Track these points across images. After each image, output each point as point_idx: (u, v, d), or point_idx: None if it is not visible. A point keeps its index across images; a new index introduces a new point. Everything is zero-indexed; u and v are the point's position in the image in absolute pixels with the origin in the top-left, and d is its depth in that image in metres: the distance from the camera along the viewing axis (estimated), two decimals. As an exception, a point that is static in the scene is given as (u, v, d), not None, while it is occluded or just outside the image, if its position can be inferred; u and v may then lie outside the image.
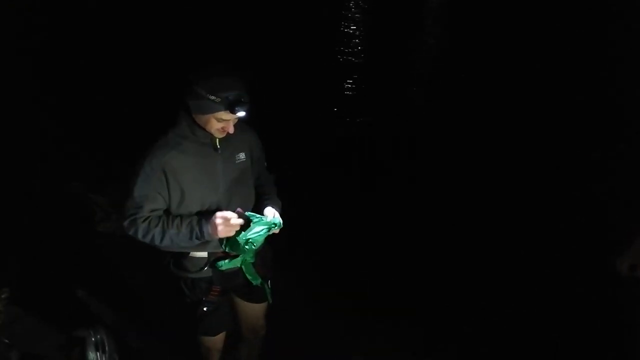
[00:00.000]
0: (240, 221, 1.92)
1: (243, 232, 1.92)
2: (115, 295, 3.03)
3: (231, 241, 1.96)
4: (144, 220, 1.92)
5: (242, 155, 2.08)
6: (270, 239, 2.03)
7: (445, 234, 3.82)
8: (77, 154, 4.36)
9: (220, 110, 1.85)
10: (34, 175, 4.09)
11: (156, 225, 1.92)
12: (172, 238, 1.92)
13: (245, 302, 2.31)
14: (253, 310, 2.34)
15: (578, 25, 9.97)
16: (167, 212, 1.99)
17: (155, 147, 1.93)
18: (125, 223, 1.95)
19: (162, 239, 1.93)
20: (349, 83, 7.38)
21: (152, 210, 1.94)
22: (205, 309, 2.11)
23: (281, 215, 2.03)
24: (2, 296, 2.89)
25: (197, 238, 1.93)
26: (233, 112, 1.84)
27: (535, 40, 9.10)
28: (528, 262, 3.49)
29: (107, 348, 2.30)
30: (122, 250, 3.40)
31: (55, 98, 5.50)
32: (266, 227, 1.94)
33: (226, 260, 2.06)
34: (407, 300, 3.16)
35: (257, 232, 1.93)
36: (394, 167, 5.00)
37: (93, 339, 2.28)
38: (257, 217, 1.96)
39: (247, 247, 1.94)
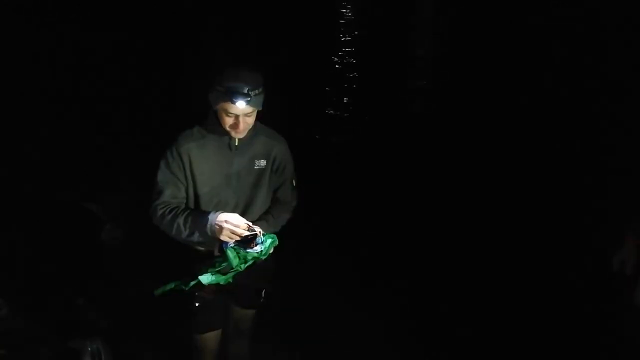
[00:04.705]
0: (246, 232, 1.90)
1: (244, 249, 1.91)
2: (109, 303, 3.01)
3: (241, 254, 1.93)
4: (162, 207, 2.02)
5: (262, 162, 2.11)
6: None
7: (446, 236, 3.84)
8: (70, 163, 4.34)
9: (225, 101, 1.89)
10: (26, 181, 4.05)
11: (170, 212, 2.00)
12: (180, 224, 1.98)
13: (233, 305, 2.34)
14: (238, 313, 2.38)
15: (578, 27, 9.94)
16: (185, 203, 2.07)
17: (179, 137, 2.04)
18: (150, 209, 2.06)
19: (171, 225, 1.99)
20: (344, 93, 7.40)
21: (173, 197, 2.04)
22: (197, 304, 2.11)
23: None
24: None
25: (201, 228, 1.94)
26: (232, 101, 1.87)
27: (534, 42, 9.10)
28: (527, 262, 3.50)
29: (103, 358, 2.31)
30: (115, 258, 3.41)
31: (49, 103, 5.48)
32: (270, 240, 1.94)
33: (209, 275, 1.97)
34: (409, 301, 3.17)
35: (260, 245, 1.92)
36: (395, 170, 4.99)
37: (89, 349, 2.29)
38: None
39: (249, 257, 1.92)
